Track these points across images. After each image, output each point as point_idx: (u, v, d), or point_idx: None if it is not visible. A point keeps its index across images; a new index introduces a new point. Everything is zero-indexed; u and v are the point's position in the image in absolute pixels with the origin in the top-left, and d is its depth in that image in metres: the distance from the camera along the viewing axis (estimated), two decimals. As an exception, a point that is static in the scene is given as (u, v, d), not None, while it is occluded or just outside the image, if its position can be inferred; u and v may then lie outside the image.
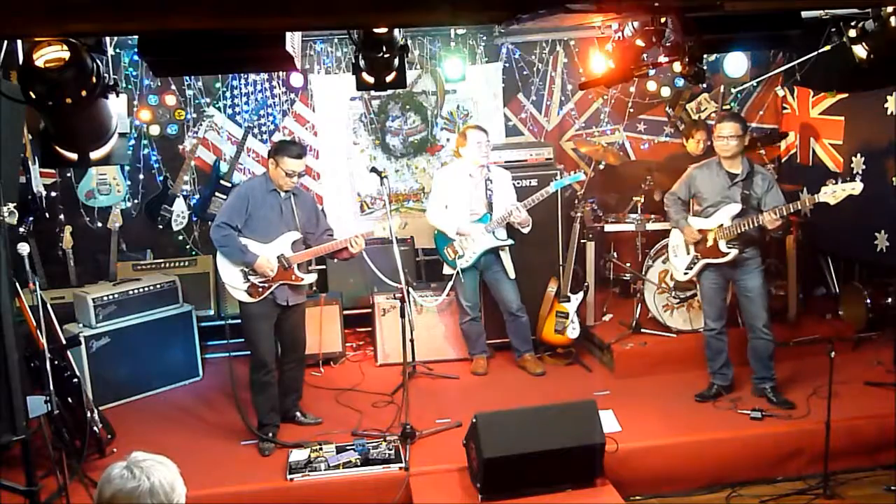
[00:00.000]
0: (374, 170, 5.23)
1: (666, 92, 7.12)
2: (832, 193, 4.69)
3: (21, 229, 5.51)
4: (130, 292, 5.74)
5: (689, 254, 5.21)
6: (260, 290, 4.82)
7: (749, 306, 5.11)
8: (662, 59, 3.97)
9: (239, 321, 5.00)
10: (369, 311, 6.32)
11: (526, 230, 5.66)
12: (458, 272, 5.69)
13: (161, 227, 6.63)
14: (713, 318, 5.22)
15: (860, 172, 6.02)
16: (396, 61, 3.50)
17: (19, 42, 2.99)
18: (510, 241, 5.70)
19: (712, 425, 4.90)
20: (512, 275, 5.76)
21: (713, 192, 5.06)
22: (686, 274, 5.26)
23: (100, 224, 6.56)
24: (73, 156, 3.27)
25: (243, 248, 4.77)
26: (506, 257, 5.75)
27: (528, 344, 5.93)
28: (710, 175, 5.09)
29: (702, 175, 5.14)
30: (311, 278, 5.02)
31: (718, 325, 5.21)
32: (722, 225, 4.99)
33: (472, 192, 5.68)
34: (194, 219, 6.75)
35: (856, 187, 4.70)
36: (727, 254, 4.99)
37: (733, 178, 5.00)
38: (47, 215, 6.24)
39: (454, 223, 5.65)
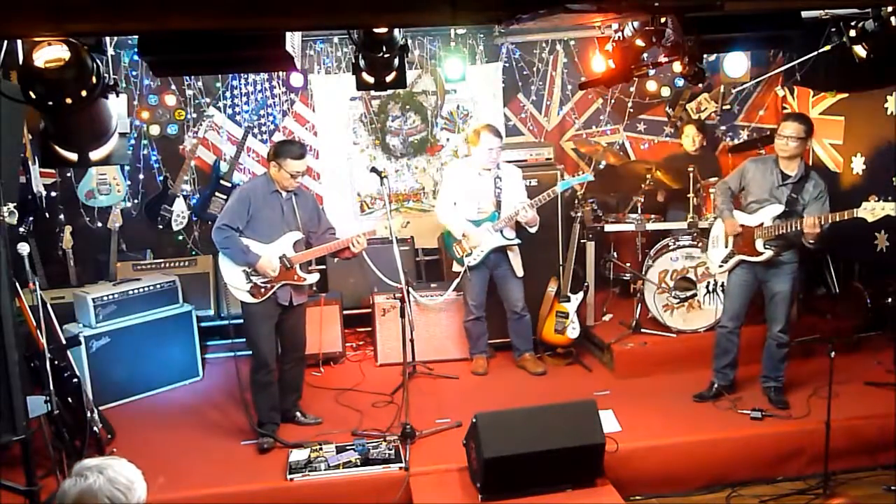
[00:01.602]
0: (374, 170, 5.23)
1: (666, 92, 7.13)
2: (871, 210, 4.53)
3: (21, 229, 5.51)
4: (130, 292, 5.73)
5: (727, 247, 5.14)
6: (262, 290, 4.82)
7: (772, 308, 5.06)
8: (662, 59, 3.97)
9: (241, 321, 4.99)
10: (369, 311, 6.32)
11: (533, 230, 5.65)
12: (465, 270, 5.69)
13: (161, 227, 6.63)
14: (729, 317, 5.17)
15: (860, 172, 6.02)
16: (396, 61, 3.51)
17: (19, 42, 2.99)
18: (517, 241, 5.68)
19: (712, 425, 4.90)
20: (520, 273, 5.75)
21: (761, 188, 4.97)
22: (721, 267, 5.19)
23: (100, 224, 6.56)
24: (73, 156, 3.27)
25: (245, 248, 4.77)
26: (514, 256, 5.73)
27: (528, 343, 5.93)
28: (764, 171, 4.99)
29: (755, 169, 5.04)
30: (313, 278, 5.02)
31: (732, 324, 5.16)
32: (762, 224, 4.92)
33: (481, 190, 5.67)
34: (194, 219, 6.75)
35: None
36: (763, 253, 4.92)
37: (785, 179, 4.91)
38: (47, 215, 6.26)
39: (461, 224, 5.65)
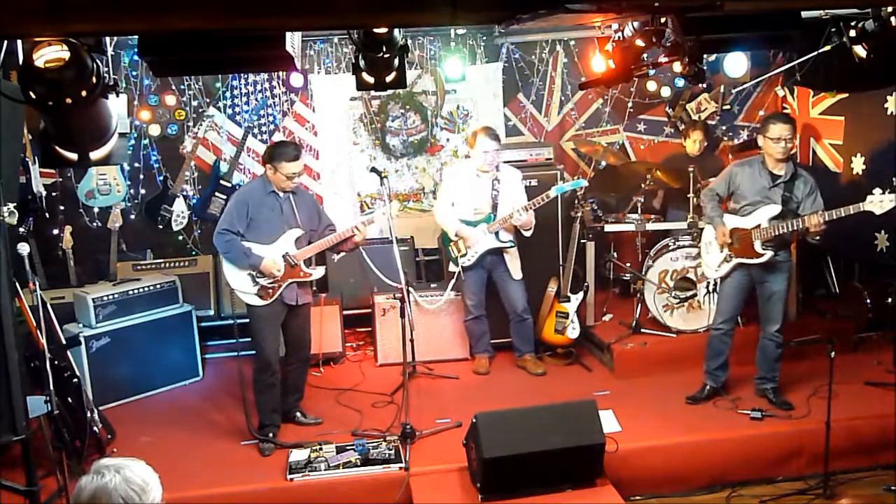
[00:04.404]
0: (374, 170, 5.23)
1: (666, 92, 7.12)
2: (879, 203, 4.50)
3: (21, 229, 5.50)
4: (130, 292, 5.74)
5: (721, 251, 5.09)
6: (270, 291, 4.82)
7: (768, 308, 5.05)
8: (662, 59, 3.97)
9: (244, 321, 4.99)
10: (369, 311, 6.32)
11: (528, 233, 5.64)
12: (459, 271, 5.69)
13: (161, 227, 6.63)
14: (724, 318, 5.15)
15: (860, 172, 6.02)
16: (396, 61, 3.50)
17: (19, 42, 2.99)
18: (510, 244, 5.67)
19: (712, 425, 4.90)
20: (517, 276, 5.74)
21: (753, 191, 4.95)
22: (717, 271, 5.14)
23: (100, 224, 6.56)
24: (73, 156, 3.27)
25: (247, 251, 4.77)
26: (511, 259, 5.72)
27: (529, 345, 5.93)
28: (752, 174, 4.97)
29: (743, 173, 5.02)
30: (319, 272, 5.01)
31: (727, 325, 5.16)
32: (759, 225, 4.89)
33: (478, 192, 5.66)
34: (194, 219, 6.75)
35: None
36: (763, 255, 4.89)
37: (775, 180, 4.89)
38: (47, 215, 6.25)
39: (455, 224, 5.65)
